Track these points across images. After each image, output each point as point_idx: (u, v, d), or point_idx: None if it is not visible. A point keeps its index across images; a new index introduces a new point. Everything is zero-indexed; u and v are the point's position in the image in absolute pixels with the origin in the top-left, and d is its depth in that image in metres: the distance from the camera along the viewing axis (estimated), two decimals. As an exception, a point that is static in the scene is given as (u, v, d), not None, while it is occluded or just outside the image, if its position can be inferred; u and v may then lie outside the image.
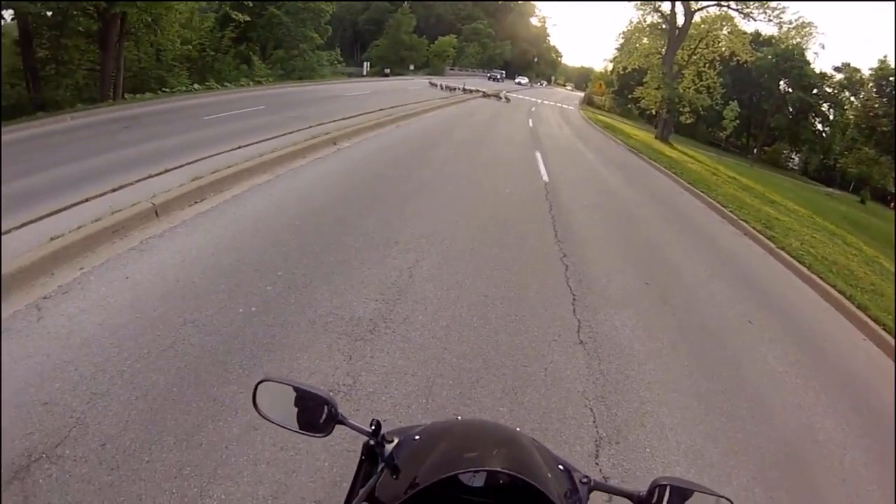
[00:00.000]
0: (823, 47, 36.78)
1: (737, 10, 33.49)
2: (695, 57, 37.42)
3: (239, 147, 9.67)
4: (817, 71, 60.82)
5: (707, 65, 37.60)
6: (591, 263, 6.75)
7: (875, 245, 19.21)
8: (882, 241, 22.95)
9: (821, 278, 8.88)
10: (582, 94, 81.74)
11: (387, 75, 57.99)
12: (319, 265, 5.20)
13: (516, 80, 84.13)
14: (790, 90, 62.94)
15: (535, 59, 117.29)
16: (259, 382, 1.26)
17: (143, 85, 26.57)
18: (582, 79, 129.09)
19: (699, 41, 36.86)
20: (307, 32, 39.63)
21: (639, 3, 36.54)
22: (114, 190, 6.64)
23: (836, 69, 61.75)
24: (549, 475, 1.05)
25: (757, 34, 49.22)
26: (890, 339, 7.03)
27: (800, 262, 9.57)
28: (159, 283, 4.53)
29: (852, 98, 53.83)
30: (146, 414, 2.99)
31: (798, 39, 38.20)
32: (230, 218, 6.30)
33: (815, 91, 61.98)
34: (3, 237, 4.89)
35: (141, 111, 17.60)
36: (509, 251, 6.54)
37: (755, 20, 33.46)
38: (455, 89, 37.21)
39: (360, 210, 7.13)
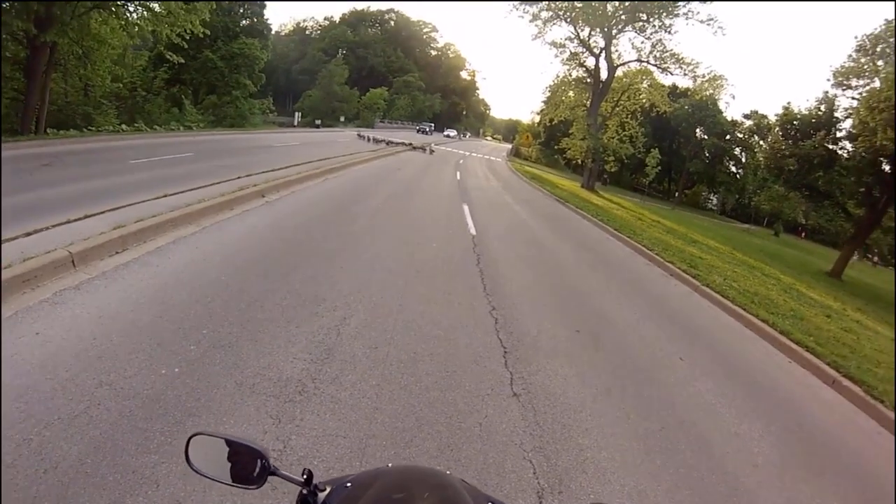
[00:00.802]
0: (734, 97, 40.73)
1: (655, 65, 35.60)
2: (617, 109, 39.53)
3: (165, 195, 9.34)
4: (729, 119, 65.98)
5: (629, 116, 39.81)
6: (520, 315, 6.75)
7: (791, 273, 20.42)
8: (796, 269, 24.68)
9: (744, 310, 9.42)
10: (509, 146, 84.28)
11: (318, 126, 57.85)
12: (245, 323, 4.98)
13: (445, 133, 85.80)
14: (705, 137, 67.18)
15: (465, 112, 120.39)
16: (191, 437, 1.27)
17: (68, 120, 25.27)
18: (509, 131, 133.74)
19: (622, 94, 38.93)
20: (240, 79, 39.41)
21: (564, 58, 38.25)
22: (27, 234, 6.20)
23: (746, 116, 66.85)
24: None
25: (674, 87, 52.77)
26: (812, 357, 7.54)
27: (723, 296, 10.09)
28: (73, 340, 4.19)
29: (761, 142, 57.89)
30: (56, 489, 2.70)
31: (711, 91, 41.01)
32: (153, 271, 6.00)
33: (727, 137, 66.53)
34: None
35: (63, 149, 16.87)
36: (438, 306, 6.48)
37: (672, 74, 35.72)
38: (382, 142, 37.46)
39: (287, 265, 6.92)
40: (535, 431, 4.09)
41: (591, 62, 37.79)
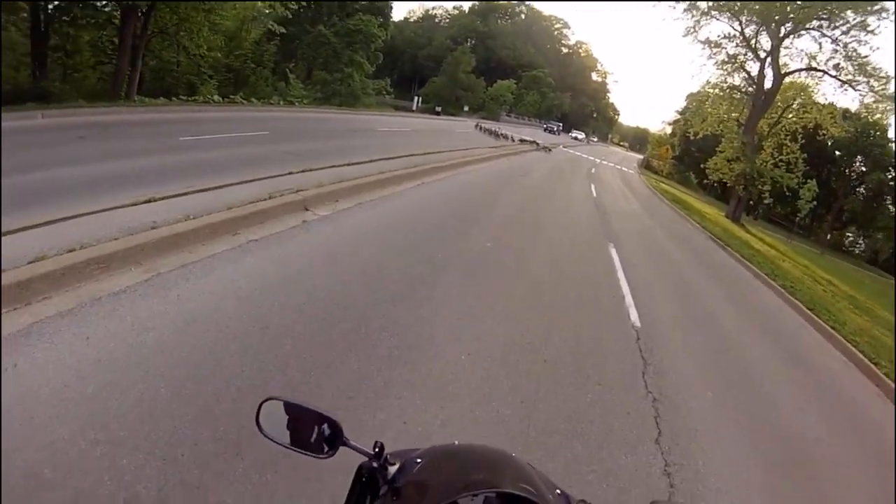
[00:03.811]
0: None
1: (834, 76, 29.05)
2: (777, 127, 33.13)
3: (150, 200, 5.99)
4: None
5: (788, 137, 33.21)
6: None
7: None
8: None
9: None
10: (638, 156, 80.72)
11: (438, 113, 53.93)
12: None
13: (572, 135, 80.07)
14: (864, 169, 58.08)
15: (595, 115, 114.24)
16: (263, 401, 1.22)
17: (172, 89, 24.54)
18: (636, 139, 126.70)
19: (784, 109, 32.64)
20: (354, 56, 36.77)
21: (719, 60, 32.55)
22: None
23: None
24: (550, 497, 1.06)
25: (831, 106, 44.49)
26: None
27: None
28: None
29: None
30: None
31: (880, 113, 33.22)
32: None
33: None
34: None
35: (129, 118, 14.96)
36: None
37: (855, 90, 28.87)
38: (506, 137, 33.29)
39: (286, 384, 3.33)
40: None
41: (753, 67, 31.72)
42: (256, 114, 22.01)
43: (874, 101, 29.49)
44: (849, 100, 29.54)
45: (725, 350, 7.01)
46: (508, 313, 5.81)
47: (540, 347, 5.15)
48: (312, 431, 1.18)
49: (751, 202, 38.19)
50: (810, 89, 32.55)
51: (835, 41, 27.89)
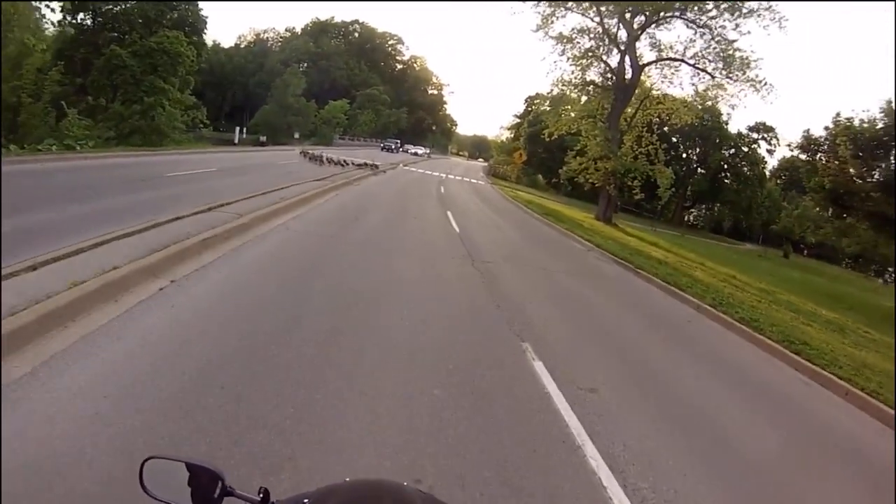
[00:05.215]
0: (734, 108, 31.83)
1: (692, 64, 28.27)
2: (634, 120, 32.03)
3: None
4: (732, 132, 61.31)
5: (645, 128, 32.29)
6: None
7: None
8: (865, 312, 19.27)
9: None
10: (480, 164, 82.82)
11: (263, 144, 47.42)
12: None
13: (411, 151, 76.58)
14: (698, 150, 62.95)
15: (433, 128, 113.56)
16: (145, 460, 1.17)
17: None
18: (476, 147, 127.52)
19: (640, 102, 31.65)
20: (157, 82, 29.97)
21: (573, 56, 30.87)
22: None
23: (752, 129, 62.57)
24: None
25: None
26: None
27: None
28: None
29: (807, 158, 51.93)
30: None
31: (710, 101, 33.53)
32: None
33: (733, 151, 62.08)
34: None
35: None
36: None
37: (713, 77, 28.52)
38: (339, 163, 27.80)
39: None
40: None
41: (613, 60, 30.77)
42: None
43: (705, 89, 30.02)
44: (680, 90, 28.84)
45: None
46: None
47: None
48: (198, 485, 1.10)
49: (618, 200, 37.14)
50: (661, 83, 32.51)
51: (702, 26, 27.45)
